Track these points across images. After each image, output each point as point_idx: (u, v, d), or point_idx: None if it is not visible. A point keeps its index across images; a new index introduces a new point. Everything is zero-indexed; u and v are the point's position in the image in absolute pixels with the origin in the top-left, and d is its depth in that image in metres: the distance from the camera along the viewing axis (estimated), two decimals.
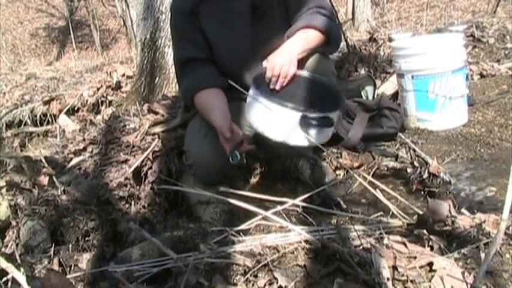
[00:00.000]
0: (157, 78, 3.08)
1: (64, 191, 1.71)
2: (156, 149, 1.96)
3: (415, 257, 1.01)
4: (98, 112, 3.77)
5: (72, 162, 2.03)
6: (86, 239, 1.57)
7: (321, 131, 1.44)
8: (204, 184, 1.68)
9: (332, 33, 1.64)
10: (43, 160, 1.97)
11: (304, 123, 1.39)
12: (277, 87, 1.55)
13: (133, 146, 2.00)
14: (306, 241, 1.12)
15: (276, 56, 1.54)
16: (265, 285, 1.01)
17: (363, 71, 3.04)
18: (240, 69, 1.69)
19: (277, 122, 1.43)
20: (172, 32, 1.83)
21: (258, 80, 1.51)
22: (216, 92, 1.67)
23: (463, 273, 0.96)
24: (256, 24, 1.67)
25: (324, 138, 1.49)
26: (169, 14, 1.79)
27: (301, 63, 1.61)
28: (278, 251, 1.11)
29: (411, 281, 0.95)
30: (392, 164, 1.74)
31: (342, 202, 1.55)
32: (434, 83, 1.96)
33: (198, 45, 1.71)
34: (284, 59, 1.52)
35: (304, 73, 1.59)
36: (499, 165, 1.59)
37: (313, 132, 1.42)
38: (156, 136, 2.02)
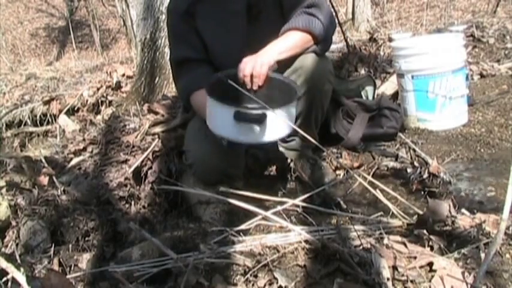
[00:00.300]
0: (157, 78, 3.08)
1: (64, 191, 1.72)
2: (156, 149, 1.96)
3: (415, 257, 1.01)
4: (98, 112, 3.76)
5: (72, 162, 2.03)
6: (86, 239, 1.57)
7: (264, 128, 1.42)
8: (204, 184, 1.68)
9: (316, 31, 1.62)
10: (43, 160, 1.97)
11: (239, 118, 1.38)
12: (254, 87, 1.54)
13: (133, 146, 2.00)
14: (306, 241, 1.12)
15: (248, 58, 1.54)
16: (265, 285, 1.01)
17: (363, 71, 3.04)
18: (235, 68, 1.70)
19: (219, 118, 1.44)
20: (168, 32, 1.84)
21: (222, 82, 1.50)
22: None
23: (463, 273, 0.96)
24: (252, 23, 1.68)
25: (271, 135, 1.45)
26: (166, 14, 1.80)
27: (284, 62, 1.61)
28: (278, 251, 1.11)
29: (411, 281, 0.95)
30: (392, 164, 1.74)
31: (342, 202, 1.55)
32: (434, 83, 1.96)
33: (194, 45, 1.72)
34: (255, 61, 1.52)
35: (277, 75, 1.59)
36: (499, 165, 1.59)
37: (255, 128, 1.41)
38: (156, 136, 2.02)
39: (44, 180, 1.79)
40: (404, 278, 0.96)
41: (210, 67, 1.73)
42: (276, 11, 1.69)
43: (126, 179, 1.84)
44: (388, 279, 0.95)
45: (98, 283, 1.21)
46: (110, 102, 3.78)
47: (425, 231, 1.12)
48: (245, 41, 1.68)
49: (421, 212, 1.21)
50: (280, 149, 1.84)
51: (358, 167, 1.80)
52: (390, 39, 3.44)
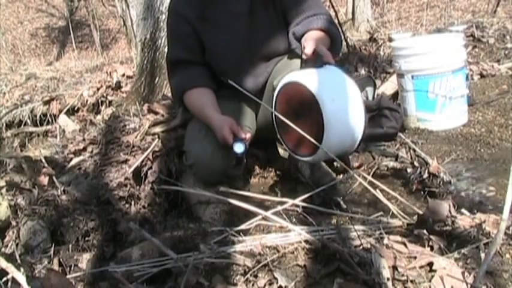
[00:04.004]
0: (157, 78, 3.08)
1: (64, 191, 1.71)
2: (156, 149, 1.96)
3: (415, 257, 1.01)
4: (98, 112, 3.77)
5: (72, 162, 2.03)
6: (86, 239, 1.56)
7: None
8: (204, 184, 1.68)
9: (334, 36, 1.63)
10: (43, 160, 1.96)
11: None
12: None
13: (133, 146, 1.99)
14: (306, 241, 1.12)
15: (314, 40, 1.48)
16: (265, 285, 1.01)
17: (363, 71, 3.04)
18: (235, 70, 1.70)
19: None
20: (168, 31, 1.85)
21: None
22: (206, 91, 1.69)
23: (463, 273, 0.96)
24: (253, 27, 1.68)
25: None
26: (167, 13, 1.80)
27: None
28: (278, 251, 1.11)
29: (411, 281, 0.95)
30: (392, 164, 1.74)
31: (342, 202, 1.55)
32: (434, 83, 1.96)
33: (191, 48, 1.73)
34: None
35: None
36: (499, 165, 1.59)
37: None
38: (156, 136, 2.02)
39: (44, 180, 1.78)
40: (404, 278, 0.96)
41: (204, 69, 1.74)
42: (278, 16, 1.69)
43: (126, 179, 1.84)
44: (388, 279, 0.95)
45: (98, 283, 1.21)
46: (110, 102, 3.78)
47: (425, 231, 1.12)
48: (245, 43, 1.69)
49: (421, 212, 1.21)
50: (280, 150, 1.84)
51: (358, 167, 1.80)
52: (390, 39, 3.44)
